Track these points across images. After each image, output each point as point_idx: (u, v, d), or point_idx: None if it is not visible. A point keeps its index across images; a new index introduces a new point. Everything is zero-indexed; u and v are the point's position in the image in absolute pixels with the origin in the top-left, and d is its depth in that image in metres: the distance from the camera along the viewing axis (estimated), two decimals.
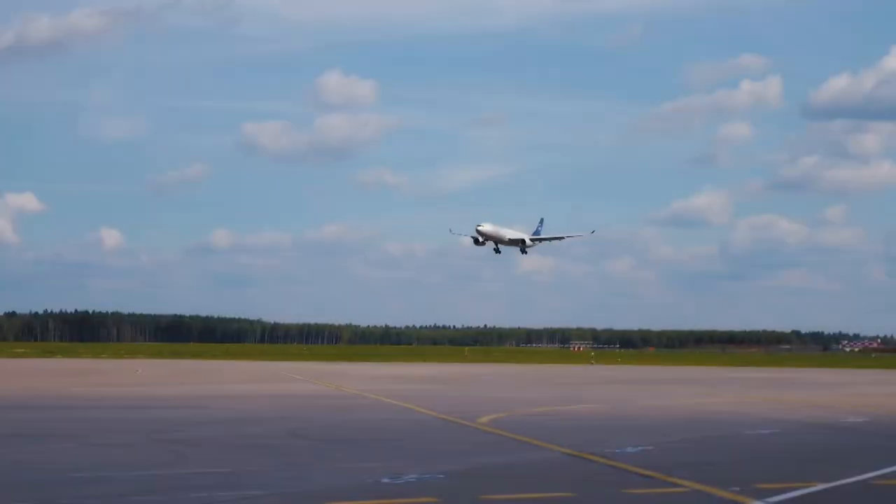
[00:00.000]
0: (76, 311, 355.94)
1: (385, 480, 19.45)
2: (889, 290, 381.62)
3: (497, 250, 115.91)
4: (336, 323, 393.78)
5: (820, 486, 19.34)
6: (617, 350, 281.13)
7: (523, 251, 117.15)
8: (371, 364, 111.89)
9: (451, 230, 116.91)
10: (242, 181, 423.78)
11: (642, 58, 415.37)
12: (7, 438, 26.86)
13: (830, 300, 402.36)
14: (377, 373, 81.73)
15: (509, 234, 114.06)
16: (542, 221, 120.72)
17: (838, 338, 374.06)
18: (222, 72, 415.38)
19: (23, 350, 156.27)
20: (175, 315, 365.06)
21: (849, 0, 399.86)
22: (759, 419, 35.83)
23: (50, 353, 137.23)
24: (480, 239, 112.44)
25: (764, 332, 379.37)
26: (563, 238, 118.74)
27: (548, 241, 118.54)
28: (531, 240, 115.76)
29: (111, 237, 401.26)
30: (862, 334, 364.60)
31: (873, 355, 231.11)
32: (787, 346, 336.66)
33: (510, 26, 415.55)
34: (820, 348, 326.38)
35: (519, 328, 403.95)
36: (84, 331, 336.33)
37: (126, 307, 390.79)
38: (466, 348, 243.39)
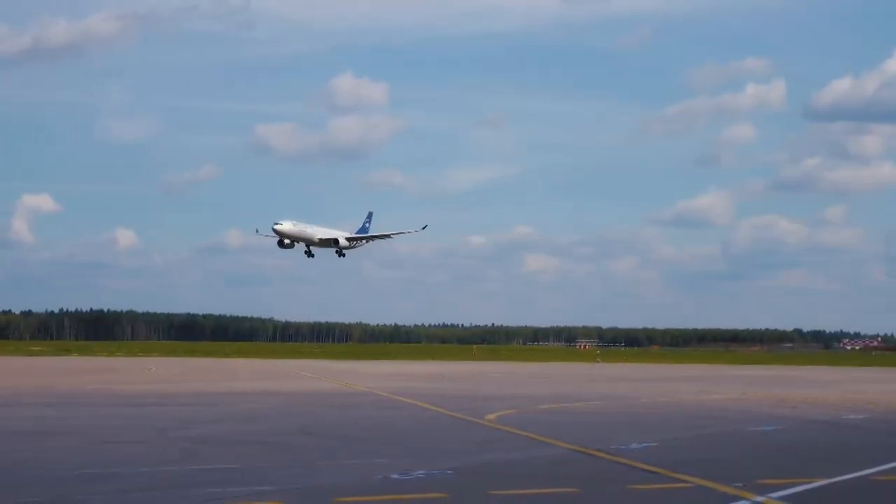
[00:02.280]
0: (91, 309, 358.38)
1: (394, 476, 19.64)
2: (889, 289, 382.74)
3: (309, 253, 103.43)
4: (346, 322, 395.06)
5: (821, 482, 19.53)
6: (622, 348, 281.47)
7: (340, 253, 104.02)
8: (380, 362, 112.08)
9: (257, 231, 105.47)
10: (254, 182, 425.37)
11: (647, 60, 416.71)
12: (21, 435, 27.14)
13: (831, 299, 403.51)
14: (386, 370, 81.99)
15: (319, 233, 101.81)
16: (370, 216, 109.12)
17: (839, 336, 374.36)
18: (235, 75, 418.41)
19: (39, 348, 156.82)
20: (188, 314, 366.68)
21: (851, 4, 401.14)
22: (761, 416, 36.08)
23: (66, 352, 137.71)
24: (286, 241, 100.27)
25: (766, 330, 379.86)
26: (390, 236, 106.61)
27: (373, 240, 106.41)
28: (349, 239, 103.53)
29: (125, 237, 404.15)
30: (862, 333, 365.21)
31: (874, 353, 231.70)
32: (789, 345, 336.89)
33: (516, 29, 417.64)
34: (821, 347, 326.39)
35: (526, 327, 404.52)
36: (99, 329, 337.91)
37: (140, 306, 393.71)
38: (475, 346, 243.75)
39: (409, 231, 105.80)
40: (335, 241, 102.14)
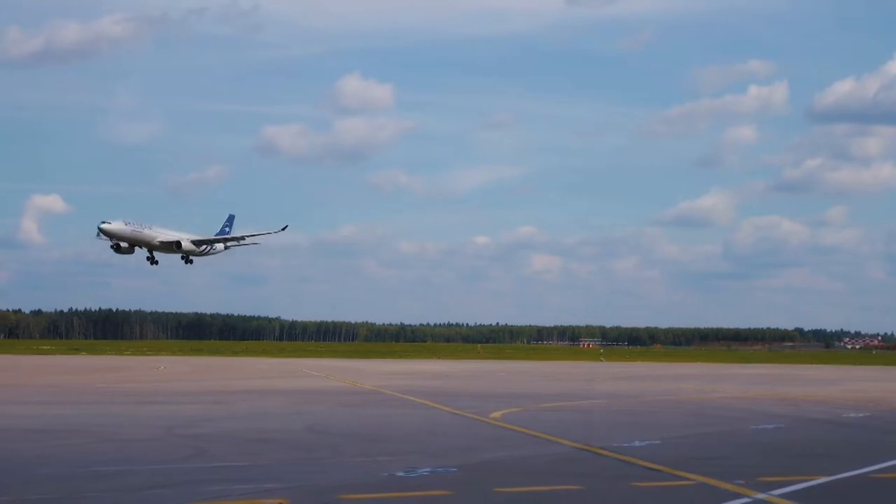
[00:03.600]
0: (100, 309, 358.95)
1: (400, 474, 19.73)
2: (889, 289, 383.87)
3: (151, 259, 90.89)
4: (352, 321, 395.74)
5: (822, 480, 19.63)
6: (625, 347, 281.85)
7: (186, 259, 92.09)
8: (386, 361, 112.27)
9: (98, 234, 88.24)
10: (261, 183, 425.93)
11: (650, 62, 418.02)
12: (30, 433, 27.29)
13: (832, 299, 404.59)
14: (392, 369, 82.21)
15: (160, 235, 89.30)
16: (231, 219, 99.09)
17: (840, 335, 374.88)
18: (243, 77, 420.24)
19: (48, 347, 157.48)
20: (196, 313, 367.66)
21: (853, 6, 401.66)
22: (763, 414, 36.24)
23: (74, 351, 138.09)
24: (122, 244, 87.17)
25: (768, 329, 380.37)
26: (244, 238, 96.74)
27: (228, 245, 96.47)
28: (196, 242, 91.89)
29: None
30: (863, 332, 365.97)
31: (874, 352, 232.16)
32: (791, 344, 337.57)
33: (520, 31, 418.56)
34: (822, 346, 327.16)
35: (530, 326, 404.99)
36: (108, 328, 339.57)
37: (148, 305, 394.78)
38: (479, 345, 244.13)
39: (267, 232, 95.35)
40: (178, 245, 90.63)
